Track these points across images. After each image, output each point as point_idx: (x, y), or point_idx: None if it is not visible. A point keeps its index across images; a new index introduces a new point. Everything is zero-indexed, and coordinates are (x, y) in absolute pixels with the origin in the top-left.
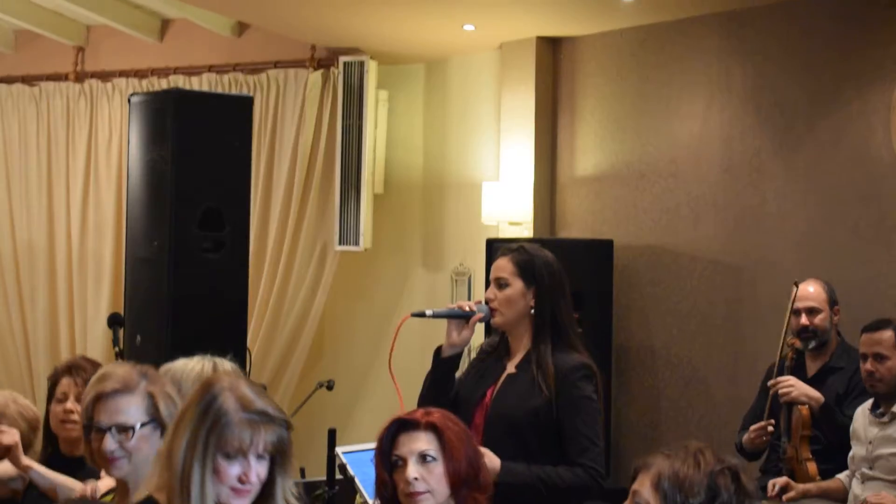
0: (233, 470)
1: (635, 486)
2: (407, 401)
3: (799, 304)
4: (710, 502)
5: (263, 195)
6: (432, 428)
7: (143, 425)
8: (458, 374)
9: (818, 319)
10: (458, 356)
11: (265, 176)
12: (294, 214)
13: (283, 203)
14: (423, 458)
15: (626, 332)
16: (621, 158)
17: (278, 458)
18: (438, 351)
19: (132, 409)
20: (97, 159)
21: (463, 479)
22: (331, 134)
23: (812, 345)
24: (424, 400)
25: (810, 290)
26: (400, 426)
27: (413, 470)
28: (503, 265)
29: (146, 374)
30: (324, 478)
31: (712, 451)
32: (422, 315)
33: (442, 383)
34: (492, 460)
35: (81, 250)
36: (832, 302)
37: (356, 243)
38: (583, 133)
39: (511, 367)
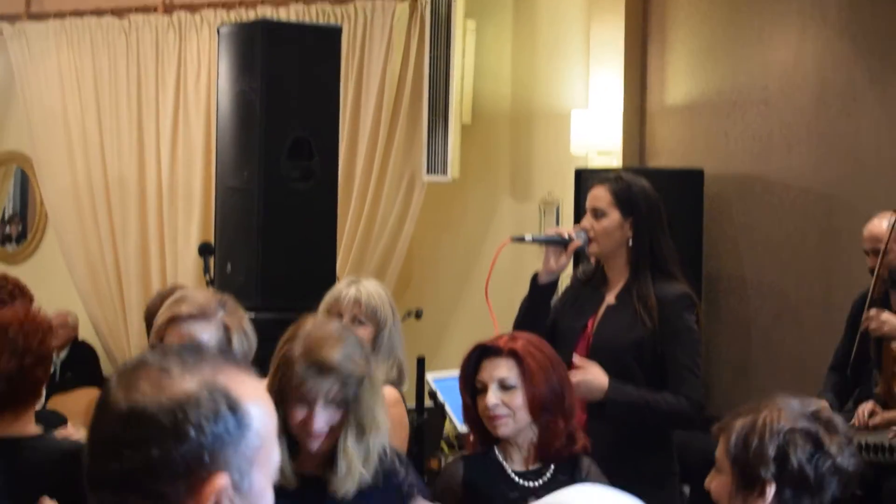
0: (297, 415)
1: (717, 452)
2: (501, 326)
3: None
4: (781, 469)
5: (351, 126)
6: (514, 355)
7: None
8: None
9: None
10: (555, 283)
11: (352, 107)
12: (381, 145)
13: (371, 134)
14: (503, 384)
15: (717, 261)
16: (712, 87)
17: (347, 408)
18: (535, 278)
19: (205, 337)
20: (186, 91)
21: (543, 406)
22: (418, 64)
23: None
24: (520, 326)
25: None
26: (483, 352)
27: (493, 396)
28: (600, 194)
29: (225, 304)
30: (414, 405)
31: (789, 408)
32: (521, 240)
33: (539, 310)
34: (600, 378)
35: (171, 182)
36: None
37: (444, 173)
38: (673, 61)
39: (611, 298)
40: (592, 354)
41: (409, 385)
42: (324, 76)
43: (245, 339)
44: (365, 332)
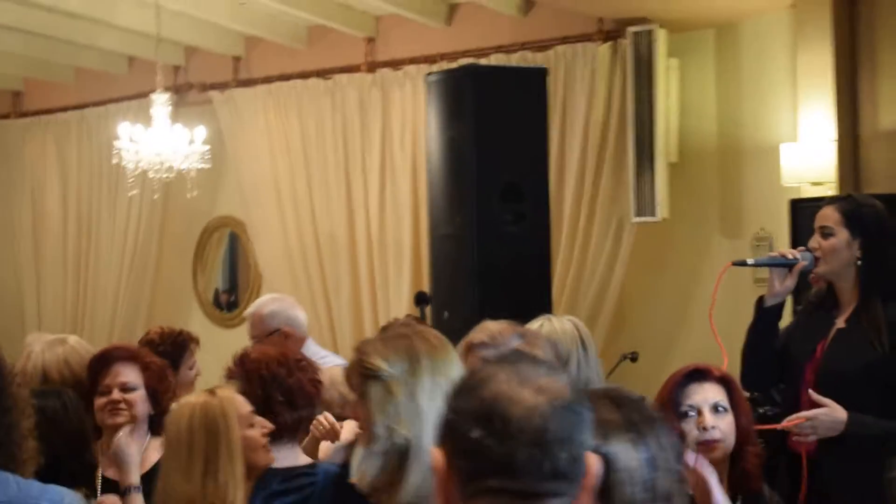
0: None
1: None
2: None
3: None
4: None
5: (557, 170)
6: (723, 381)
7: None
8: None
9: None
10: (781, 306)
11: (558, 150)
12: (589, 188)
13: (577, 177)
14: (715, 408)
15: None
16: None
17: None
18: (760, 301)
19: None
20: (392, 146)
21: (746, 435)
22: (622, 105)
23: None
24: (749, 351)
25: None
26: (691, 376)
27: (710, 418)
28: (829, 214)
29: (523, 334)
30: None
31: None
32: (743, 264)
33: (766, 334)
34: (838, 412)
35: (381, 235)
36: None
37: (653, 214)
38: (885, 85)
39: (841, 322)
40: (821, 379)
41: None
42: (532, 118)
43: None
44: None
